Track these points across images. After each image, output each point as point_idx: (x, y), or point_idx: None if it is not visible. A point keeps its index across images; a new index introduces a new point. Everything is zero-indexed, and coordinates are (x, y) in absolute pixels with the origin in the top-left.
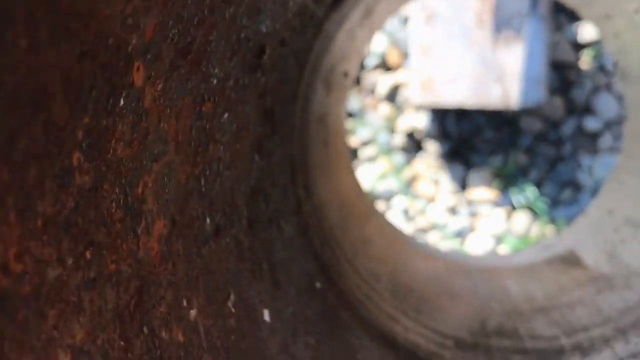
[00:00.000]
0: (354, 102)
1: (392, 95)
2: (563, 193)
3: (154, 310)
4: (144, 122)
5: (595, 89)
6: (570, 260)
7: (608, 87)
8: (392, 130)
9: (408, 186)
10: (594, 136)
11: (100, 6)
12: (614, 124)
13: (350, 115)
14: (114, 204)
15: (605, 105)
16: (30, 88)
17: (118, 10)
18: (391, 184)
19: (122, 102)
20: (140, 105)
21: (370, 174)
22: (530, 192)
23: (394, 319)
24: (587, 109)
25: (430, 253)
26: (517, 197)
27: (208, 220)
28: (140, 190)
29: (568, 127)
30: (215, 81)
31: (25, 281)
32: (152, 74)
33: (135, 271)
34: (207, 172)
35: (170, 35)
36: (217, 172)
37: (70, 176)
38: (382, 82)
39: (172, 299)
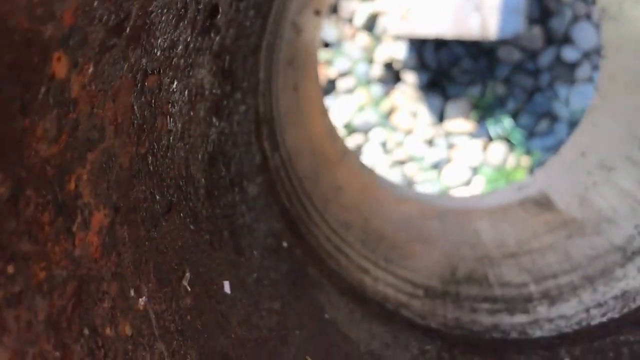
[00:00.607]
0: (331, 31)
1: (370, 25)
2: (539, 124)
3: (96, 309)
4: (72, 114)
5: (575, 19)
6: (543, 203)
7: (588, 17)
8: (370, 61)
9: (386, 118)
10: (572, 66)
11: None
12: (593, 54)
13: (327, 45)
14: (40, 208)
15: (585, 35)
16: None
17: (22, 2)
18: (369, 116)
19: (40, 99)
20: (66, 97)
21: (347, 106)
22: (507, 123)
23: (364, 270)
24: (566, 39)
25: (403, 196)
26: (494, 128)
27: (158, 198)
28: (72, 186)
29: (546, 58)
30: (159, 52)
31: None
32: (79, 60)
33: (72, 272)
34: (155, 149)
35: (97, 16)
36: (167, 147)
37: None
38: (361, 10)
39: (117, 292)
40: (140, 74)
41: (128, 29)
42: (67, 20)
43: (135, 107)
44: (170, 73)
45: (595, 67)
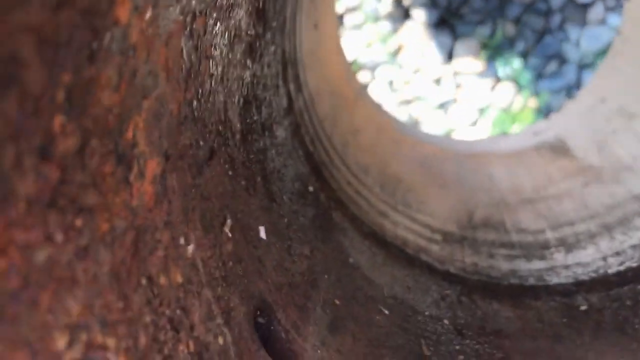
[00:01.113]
0: None
1: None
2: (548, 66)
3: (151, 258)
4: (131, 60)
5: None
6: (559, 149)
7: None
8: None
9: (393, 56)
10: (585, 8)
11: None
12: None
13: None
14: (103, 159)
15: None
16: None
17: None
18: (376, 53)
19: (105, 46)
20: (127, 43)
21: (355, 43)
22: (515, 63)
23: (384, 214)
24: None
25: (419, 139)
26: (502, 68)
27: (201, 144)
28: (130, 134)
29: None
30: None
31: (12, 275)
32: (139, 3)
33: (130, 222)
34: (200, 94)
35: None
36: (210, 91)
37: (52, 145)
38: None
39: (169, 240)
40: (189, 17)
41: None
42: None
43: (184, 52)
44: (214, 14)
45: (608, 9)
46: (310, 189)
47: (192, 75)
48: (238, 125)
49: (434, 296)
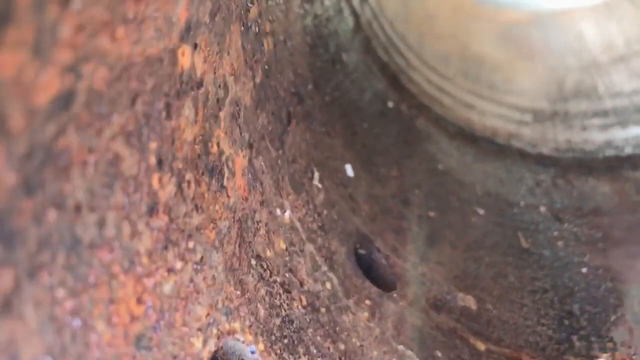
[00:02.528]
0: None
1: None
2: None
3: (256, 238)
4: (202, 89)
5: None
6: None
7: None
8: None
9: None
10: None
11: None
12: None
13: None
14: (198, 182)
15: None
16: None
17: (149, 33)
18: None
19: (178, 95)
20: (194, 78)
21: None
22: None
23: (470, 106)
24: None
25: (498, 5)
26: None
27: (278, 115)
28: (215, 148)
29: None
30: None
31: (150, 312)
32: (197, 42)
33: (232, 219)
34: (267, 69)
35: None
36: (275, 60)
37: (156, 201)
38: None
39: (267, 216)
40: (243, 12)
41: None
42: (182, 18)
43: (245, 46)
44: None
45: None
46: (390, 104)
47: (257, 59)
48: (309, 74)
49: (528, 184)
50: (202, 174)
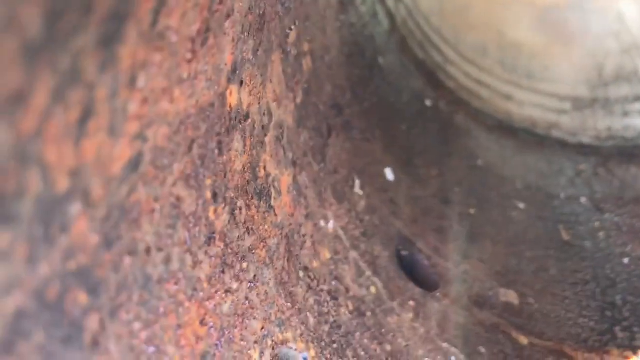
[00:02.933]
0: None
1: None
2: None
3: (303, 252)
4: (249, 120)
5: None
6: None
7: None
8: None
9: None
10: None
11: None
12: None
13: None
14: (247, 207)
15: None
16: None
17: (201, 84)
18: None
19: (228, 133)
20: (241, 112)
21: None
22: None
23: (508, 96)
24: None
25: None
26: None
27: (319, 129)
28: (262, 172)
29: None
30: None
31: (212, 331)
32: (243, 78)
33: (280, 236)
34: (307, 87)
35: (245, 32)
36: (314, 76)
37: (212, 230)
38: None
39: (312, 229)
40: (282, 39)
41: (264, 15)
42: (228, 62)
43: (286, 70)
44: (302, 11)
45: None
46: (428, 103)
47: (297, 80)
48: (347, 84)
49: (568, 175)
50: (252, 198)
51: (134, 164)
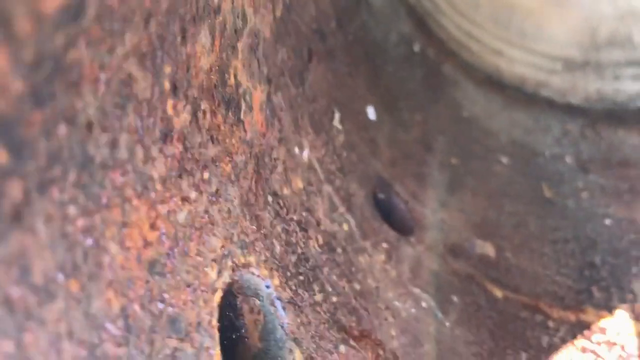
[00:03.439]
0: None
1: None
2: None
3: (273, 176)
4: (219, 17)
5: None
6: None
7: None
8: None
9: None
10: None
11: None
12: None
13: None
14: (214, 113)
15: None
16: None
17: None
18: None
19: (195, 20)
20: (211, 5)
21: None
22: None
23: (499, 52)
24: None
25: None
26: None
27: (299, 52)
28: (232, 80)
29: None
30: None
31: (164, 239)
32: None
33: (249, 154)
34: (288, 2)
35: None
36: None
37: (170, 127)
38: None
39: (285, 154)
40: None
41: None
42: None
43: None
44: None
45: None
46: (416, 48)
47: None
48: (332, 11)
49: (555, 134)
50: (219, 105)
51: (74, 12)
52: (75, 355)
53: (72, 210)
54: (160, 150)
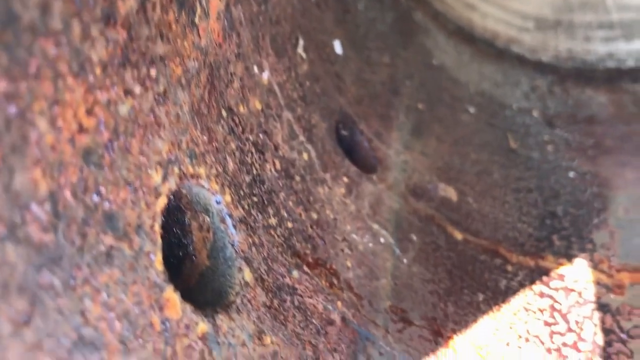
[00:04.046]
0: None
1: None
2: None
3: (228, 91)
4: None
5: None
6: None
7: None
8: None
9: None
10: None
11: None
12: None
13: None
14: (165, 9)
15: None
16: None
17: None
18: None
19: None
20: None
21: None
22: None
23: (471, 6)
24: None
25: None
26: None
27: None
28: None
29: None
30: None
31: (102, 129)
32: None
33: (202, 61)
34: None
35: None
36: None
37: (114, 10)
38: None
39: (243, 71)
40: None
41: None
42: None
43: None
44: None
45: None
46: None
47: None
48: None
49: (523, 89)
50: (171, 1)
51: None
52: None
53: None
54: (101, 32)
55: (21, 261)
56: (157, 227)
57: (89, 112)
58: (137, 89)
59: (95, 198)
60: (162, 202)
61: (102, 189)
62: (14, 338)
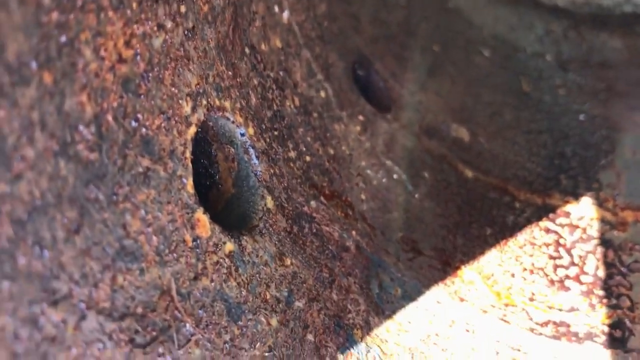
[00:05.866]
0: None
1: None
2: None
3: (251, 28)
4: None
5: None
6: None
7: None
8: None
9: None
10: None
11: None
12: None
13: None
14: None
15: None
16: None
17: None
18: None
19: None
20: None
21: None
22: None
23: None
24: None
25: None
26: None
27: None
28: None
29: None
30: None
31: (139, 60)
32: None
33: (227, 0)
34: None
35: None
36: None
37: None
38: None
39: (264, 10)
40: None
41: None
42: None
43: None
44: None
45: None
46: None
47: None
48: None
49: (538, 33)
50: None
51: None
52: (47, 147)
53: (46, 0)
54: None
55: (71, 175)
56: (188, 154)
57: (127, 43)
58: (169, 24)
59: (134, 123)
60: (192, 130)
61: (140, 116)
62: (66, 244)
